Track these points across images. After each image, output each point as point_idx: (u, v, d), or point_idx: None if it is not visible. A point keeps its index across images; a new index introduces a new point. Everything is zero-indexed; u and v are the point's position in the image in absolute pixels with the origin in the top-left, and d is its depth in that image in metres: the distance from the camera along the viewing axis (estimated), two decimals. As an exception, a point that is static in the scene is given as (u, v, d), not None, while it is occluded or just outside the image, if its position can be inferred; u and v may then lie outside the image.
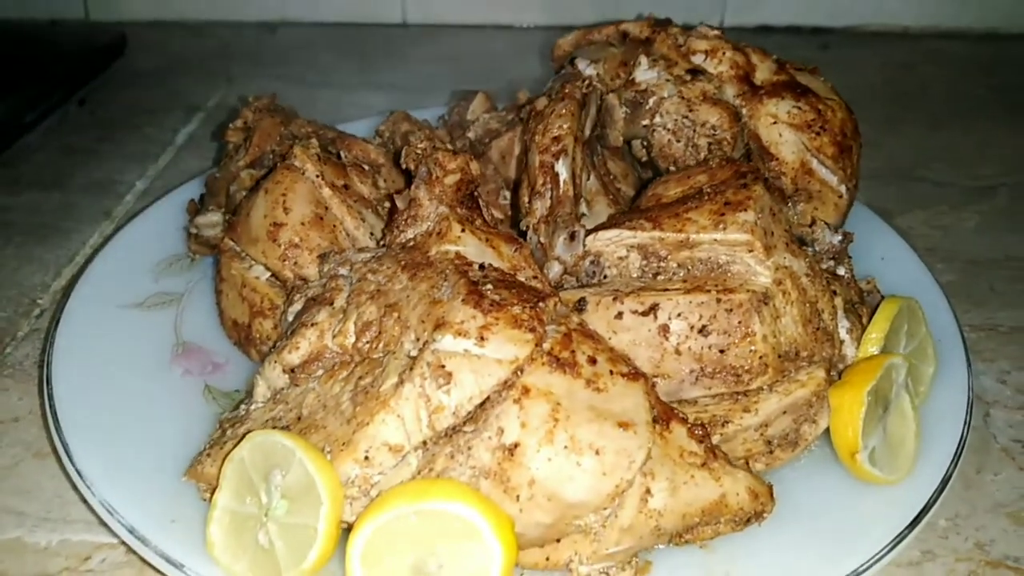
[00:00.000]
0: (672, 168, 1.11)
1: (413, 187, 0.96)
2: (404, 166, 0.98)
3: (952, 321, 1.08)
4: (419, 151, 0.98)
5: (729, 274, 0.90)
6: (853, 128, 1.16)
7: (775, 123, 1.11)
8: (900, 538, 0.81)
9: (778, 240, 0.91)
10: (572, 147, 1.00)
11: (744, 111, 1.13)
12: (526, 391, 0.77)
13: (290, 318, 0.94)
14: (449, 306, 0.82)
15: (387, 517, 0.71)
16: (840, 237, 1.03)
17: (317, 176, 1.04)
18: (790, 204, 1.08)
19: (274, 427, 0.83)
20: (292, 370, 0.86)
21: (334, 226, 1.03)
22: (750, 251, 0.89)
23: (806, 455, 0.93)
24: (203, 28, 2.20)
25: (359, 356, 0.85)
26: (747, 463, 0.89)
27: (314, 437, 0.79)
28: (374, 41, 2.18)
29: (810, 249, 1.03)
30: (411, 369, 0.78)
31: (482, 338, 0.79)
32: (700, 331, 0.86)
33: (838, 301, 0.96)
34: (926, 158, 1.69)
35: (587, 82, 1.07)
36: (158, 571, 0.80)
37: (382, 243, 0.99)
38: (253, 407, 0.88)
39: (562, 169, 0.98)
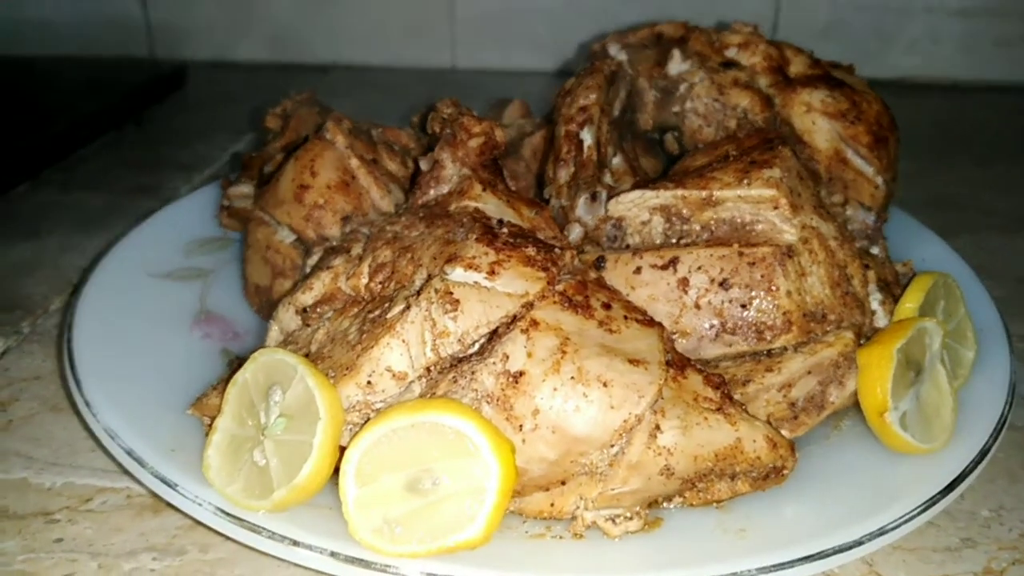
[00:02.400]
0: (701, 152, 1.10)
1: (437, 149, 0.97)
2: (429, 130, 0.99)
3: (995, 313, 1.03)
4: (445, 115, 0.99)
5: (754, 233, 0.87)
6: (889, 121, 1.14)
7: (808, 111, 1.10)
8: (929, 504, 0.75)
9: (806, 201, 0.89)
10: (598, 117, 1.00)
11: (777, 100, 1.12)
12: (535, 323, 0.75)
13: (307, 270, 0.94)
14: (462, 244, 0.81)
15: (383, 430, 0.68)
16: (874, 217, 1.00)
17: (347, 147, 1.06)
18: (823, 186, 1.06)
19: (283, 364, 0.82)
20: (304, 310, 0.86)
21: (360, 193, 1.03)
22: (775, 208, 0.87)
23: (836, 434, 0.88)
24: (260, 68, 2.29)
25: (371, 296, 0.84)
26: (770, 428, 0.84)
27: (320, 366, 0.78)
28: (423, 84, 2.25)
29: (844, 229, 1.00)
30: (418, 294, 0.76)
31: (493, 272, 0.78)
32: (721, 284, 0.84)
33: (871, 274, 0.92)
34: (975, 190, 1.65)
35: (617, 61, 1.07)
36: (156, 502, 0.78)
37: (405, 205, 0.99)
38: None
39: (587, 136, 0.98)
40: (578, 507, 0.75)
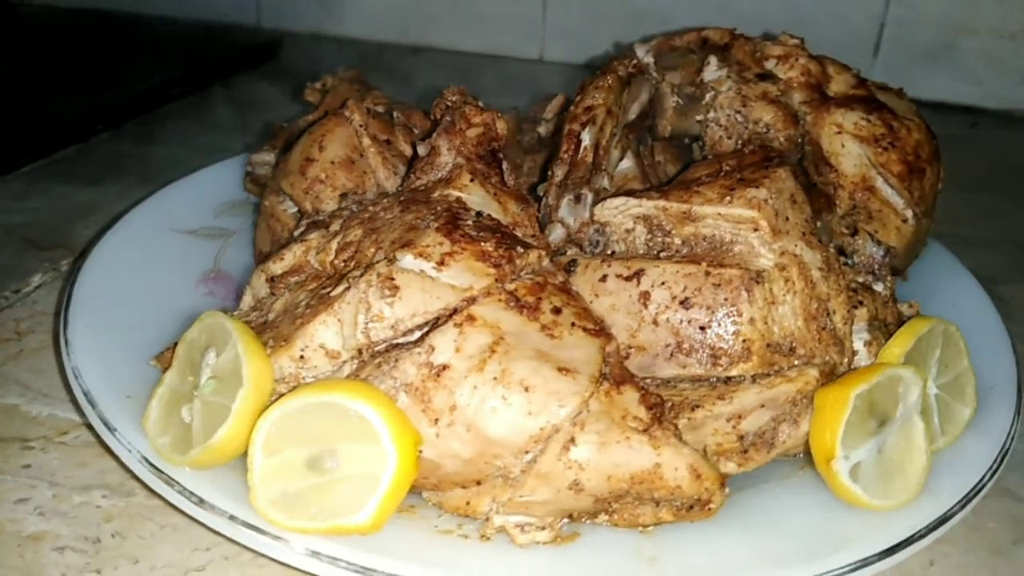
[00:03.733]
0: (717, 165, 1.05)
1: (435, 135, 0.97)
2: (433, 116, 1.00)
3: (1012, 372, 0.94)
4: (448, 102, 0.99)
5: (730, 254, 0.83)
6: (930, 153, 1.06)
7: (839, 133, 1.04)
8: (861, 564, 0.70)
9: (792, 227, 0.84)
10: (602, 118, 0.97)
11: (808, 118, 1.06)
12: (471, 319, 0.74)
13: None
14: (422, 231, 0.81)
15: (294, 405, 0.70)
16: (883, 252, 0.94)
17: (361, 126, 1.07)
18: (836, 213, 1.00)
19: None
20: (272, 279, 0.88)
21: (364, 172, 1.05)
22: (755, 230, 0.83)
23: (800, 475, 0.83)
24: (354, 44, 2.35)
25: (334, 272, 0.85)
26: (716, 459, 0.81)
27: (266, 335, 0.80)
28: (509, 72, 2.25)
29: (848, 261, 0.94)
30: (360, 276, 0.77)
31: (442, 262, 0.78)
32: (682, 303, 0.80)
33: (861, 312, 0.87)
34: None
35: (635, 62, 1.04)
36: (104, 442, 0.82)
37: (400, 187, 1.00)
38: (236, 313, 0.90)
39: (586, 137, 0.96)
40: (491, 509, 0.74)
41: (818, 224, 0.96)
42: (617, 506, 0.74)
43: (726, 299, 0.79)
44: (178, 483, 0.72)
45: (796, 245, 0.83)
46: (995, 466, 0.82)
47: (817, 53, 1.12)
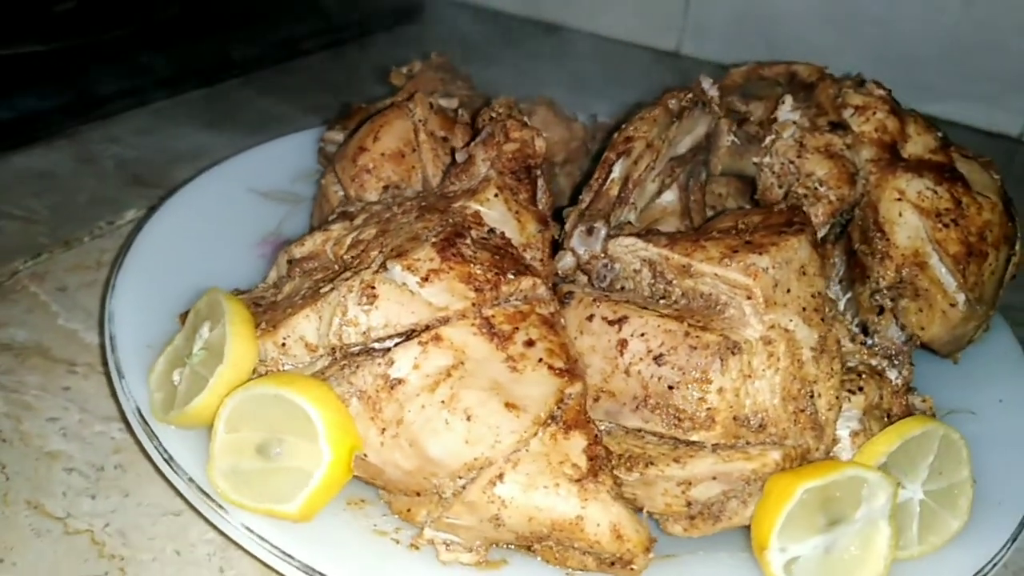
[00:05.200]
0: (761, 214, 1.01)
1: (473, 144, 0.99)
2: (479, 125, 1.02)
3: (1029, 490, 0.87)
4: (494, 114, 1.01)
5: (723, 317, 0.81)
6: (999, 236, 0.98)
7: (899, 199, 0.98)
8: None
9: (792, 300, 0.81)
10: (639, 151, 0.96)
11: (872, 178, 1.00)
12: (438, 339, 0.77)
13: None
14: (419, 244, 0.84)
15: (256, 391, 0.75)
16: (905, 338, 0.88)
17: (420, 121, 1.11)
18: (869, 286, 0.94)
19: (257, 304, 0.91)
20: (290, 262, 0.94)
21: (412, 167, 1.08)
22: (748, 298, 0.80)
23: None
24: (496, 15, 2.38)
25: (342, 266, 0.90)
26: (666, 519, 0.81)
27: (264, 317, 0.86)
28: (644, 64, 2.22)
29: (868, 340, 0.90)
30: (345, 280, 0.81)
31: (427, 279, 0.80)
32: (656, 358, 0.80)
33: (857, 399, 0.83)
34: None
35: (690, 96, 1.01)
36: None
37: (429, 191, 1.03)
38: (260, 285, 0.97)
39: (616, 169, 0.95)
40: (425, 521, 0.77)
41: (842, 296, 0.92)
42: (539, 546, 0.75)
43: (698, 364, 0.78)
44: (157, 439, 0.80)
45: (791, 320, 0.80)
46: (963, 589, 0.77)
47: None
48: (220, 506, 0.75)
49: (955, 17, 1.90)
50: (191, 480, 0.77)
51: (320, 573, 0.71)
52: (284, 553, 0.72)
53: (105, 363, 1.03)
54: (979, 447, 0.93)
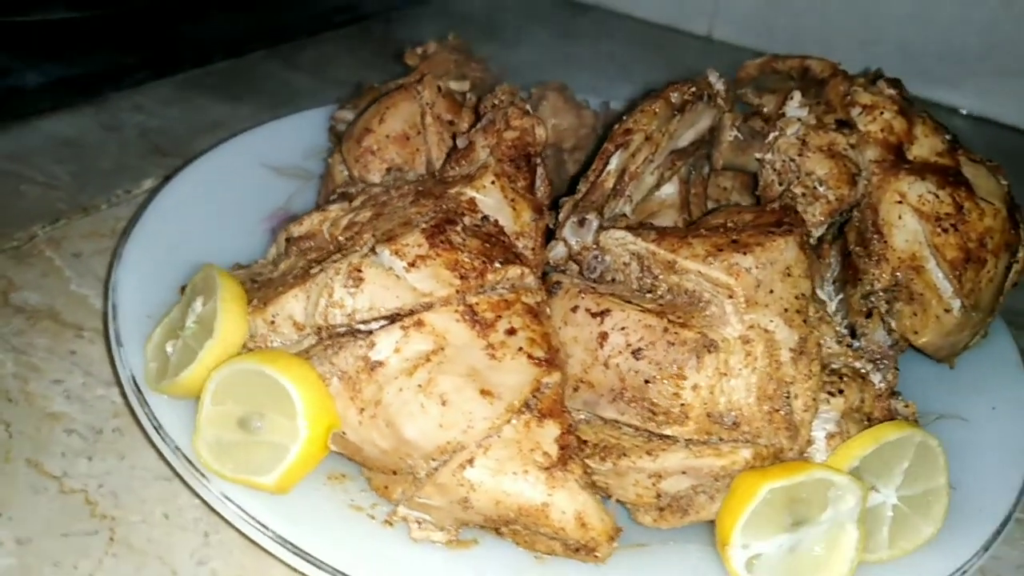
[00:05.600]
0: (759, 210, 1.01)
1: (473, 131, 1.00)
2: (482, 111, 1.02)
3: (1009, 504, 0.87)
4: (496, 100, 1.01)
5: (704, 314, 0.82)
6: (1000, 243, 0.96)
7: (900, 202, 0.97)
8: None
9: (774, 301, 0.81)
10: (637, 144, 0.96)
11: (874, 179, 0.99)
12: (420, 324, 0.79)
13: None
14: (409, 229, 0.85)
15: (241, 366, 0.78)
16: (891, 342, 0.88)
17: (428, 104, 1.12)
18: (861, 288, 0.94)
19: (254, 280, 0.93)
20: (288, 240, 0.96)
21: (417, 149, 1.10)
22: (730, 296, 0.81)
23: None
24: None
25: (336, 247, 0.92)
26: (637, 509, 0.82)
27: (258, 293, 0.88)
28: (675, 47, 2.20)
29: (855, 343, 0.89)
30: (335, 263, 0.83)
31: (413, 265, 0.82)
32: (634, 352, 0.80)
33: (837, 401, 0.83)
34: None
35: (693, 90, 1.01)
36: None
37: (435, 175, 1.05)
38: (260, 261, 1.00)
39: (613, 161, 0.95)
40: (400, 499, 0.79)
41: (834, 297, 0.92)
42: (507, 529, 0.77)
43: (675, 360, 0.79)
44: (148, 405, 0.83)
45: (772, 321, 0.80)
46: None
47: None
48: (202, 475, 0.78)
49: (992, 11, 1.85)
50: (177, 448, 0.80)
51: (292, 544, 0.73)
52: (259, 523, 0.75)
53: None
54: (965, 453, 0.93)
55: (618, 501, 0.84)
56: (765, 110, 1.19)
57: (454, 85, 1.24)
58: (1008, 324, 1.12)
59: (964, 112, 1.97)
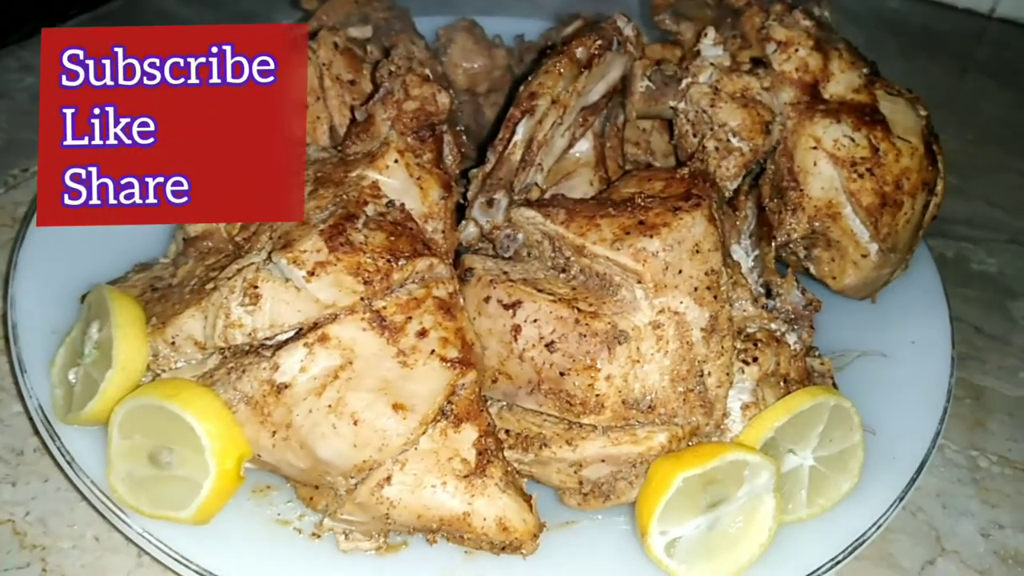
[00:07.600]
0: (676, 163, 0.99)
1: (371, 103, 0.94)
2: (377, 80, 0.96)
3: (926, 444, 0.89)
4: (393, 67, 0.95)
5: (615, 299, 0.80)
6: (916, 183, 0.95)
7: (815, 148, 0.94)
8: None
9: (683, 281, 0.80)
10: (544, 109, 0.92)
11: (789, 123, 0.96)
12: (324, 338, 0.77)
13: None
14: (307, 231, 0.82)
15: (142, 401, 0.76)
16: (806, 302, 0.88)
17: (324, 64, 1.05)
18: (774, 244, 0.93)
19: (154, 288, 0.89)
20: (184, 240, 0.92)
21: (318, 117, 1.04)
22: (639, 282, 0.79)
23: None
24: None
25: (235, 248, 0.88)
26: (563, 493, 0.83)
27: (157, 307, 0.85)
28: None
29: (770, 303, 0.89)
30: (229, 278, 0.79)
31: (313, 273, 0.79)
32: (547, 345, 0.79)
33: (751, 369, 0.83)
34: None
35: (600, 43, 0.95)
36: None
37: (338, 148, 0.99)
38: (162, 259, 0.96)
39: (520, 130, 0.91)
40: (324, 511, 0.80)
41: (751, 252, 0.91)
42: (431, 537, 0.78)
43: (587, 352, 0.78)
44: (59, 438, 0.81)
45: (682, 302, 0.79)
46: (854, 545, 0.80)
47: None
48: (122, 512, 0.77)
49: None
50: (93, 484, 0.78)
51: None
52: (182, 557, 0.75)
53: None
54: (884, 391, 0.96)
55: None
56: (683, 38, 1.14)
57: (355, 32, 1.16)
58: (940, 235, 1.12)
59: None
